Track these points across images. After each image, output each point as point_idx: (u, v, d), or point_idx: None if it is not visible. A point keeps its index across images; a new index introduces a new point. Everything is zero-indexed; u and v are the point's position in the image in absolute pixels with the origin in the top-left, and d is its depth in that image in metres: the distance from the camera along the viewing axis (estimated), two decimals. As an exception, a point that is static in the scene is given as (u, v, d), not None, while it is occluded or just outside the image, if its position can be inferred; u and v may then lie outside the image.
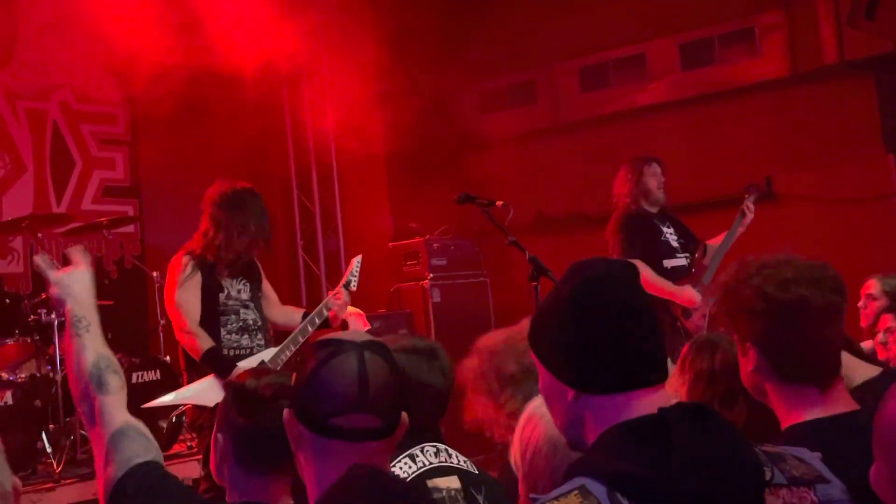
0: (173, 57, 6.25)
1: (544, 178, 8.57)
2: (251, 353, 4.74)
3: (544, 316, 1.68)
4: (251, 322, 4.81)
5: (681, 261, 5.69)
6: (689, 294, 5.47)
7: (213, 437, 2.24)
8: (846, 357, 2.07)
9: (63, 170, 7.77)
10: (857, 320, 4.60)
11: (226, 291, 4.75)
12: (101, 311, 2.32)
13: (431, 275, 7.66)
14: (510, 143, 8.65)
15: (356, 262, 5.05)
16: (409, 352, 2.37)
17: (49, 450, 5.66)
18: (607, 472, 1.48)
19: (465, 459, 2.38)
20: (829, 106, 7.33)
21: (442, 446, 2.35)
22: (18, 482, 1.62)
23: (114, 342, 2.36)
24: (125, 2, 6.50)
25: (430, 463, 2.29)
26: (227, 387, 2.30)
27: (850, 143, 7.30)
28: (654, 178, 5.71)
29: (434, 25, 7.73)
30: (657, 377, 1.61)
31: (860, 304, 4.58)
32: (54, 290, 2.29)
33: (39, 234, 6.22)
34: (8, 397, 5.61)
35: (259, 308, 4.88)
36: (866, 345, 4.27)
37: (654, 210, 5.74)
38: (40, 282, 7.11)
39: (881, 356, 4.20)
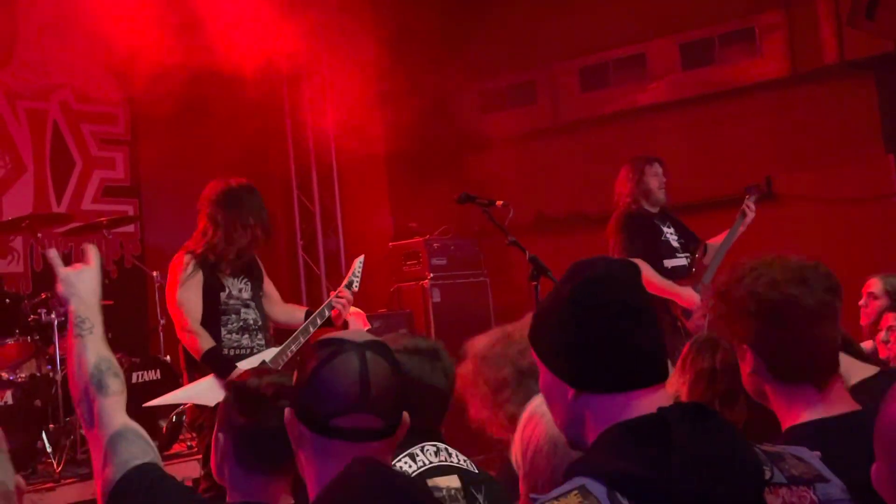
0: (173, 57, 6.25)
1: (544, 178, 8.57)
2: (251, 353, 4.74)
3: (545, 315, 1.68)
4: (252, 322, 4.80)
5: (681, 261, 5.69)
6: (689, 295, 5.47)
7: (213, 436, 2.24)
8: (842, 357, 2.07)
9: (63, 170, 7.77)
10: (857, 319, 4.61)
11: (227, 290, 4.74)
12: (102, 311, 2.32)
13: (431, 275, 7.66)
14: (510, 143, 8.66)
15: (358, 262, 5.04)
16: (412, 352, 2.37)
17: (49, 449, 5.66)
18: (607, 472, 1.48)
19: (465, 459, 2.38)
20: (829, 106, 7.33)
21: (442, 445, 2.35)
22: (22, 481, 1.62)
23: (114, 342, 2.36)
24: (125, 2, 6.50)
25: (430, 462, 2.29)
26: (229, 386, 2.30)
27: (850, 143, 7.30)
28: (655, 179, 5.71)
29: (434, 25, 7.73)
30: (657, 377, 1.61)
31: (861, 302, 4.58)
32: (61, 288, 2.29)
33: (39, 234, 6.22)
34: (8, 397, 5.61)
35: (260, 307, 4.87)
36: (866, 345, 4.27)
37: (654, 210, 5.74)
38: (40, 282, 7.14)
39: (882, 354, 4.20)
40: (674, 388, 2.44)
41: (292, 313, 5.04)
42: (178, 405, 5.79)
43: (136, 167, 8.21)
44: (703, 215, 6.71)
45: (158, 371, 6.24)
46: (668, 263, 5.63)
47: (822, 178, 7.37)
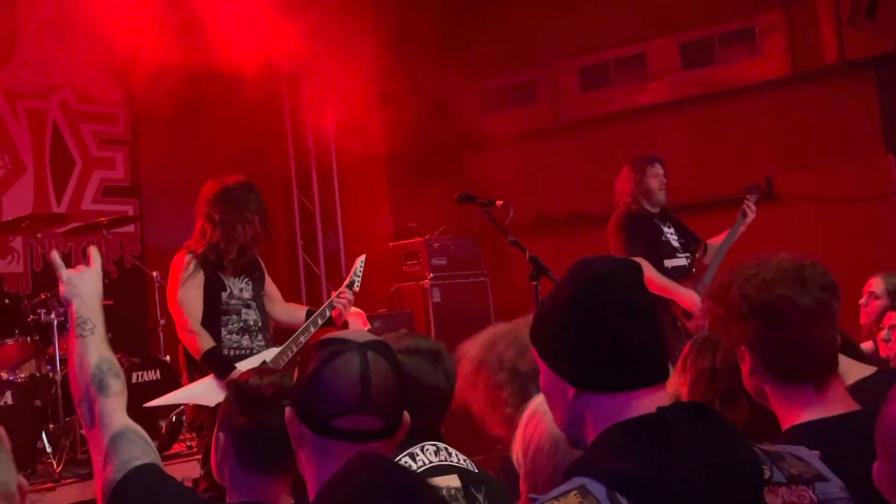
0: (173, 57, 6.25)
1: (544, 178, 8.57)
2: (251, 354, 4.73)
3: (546, 313, 1.68)
4: (252, 323, 4.80)
5: (681, 261, 5.69)
6: (690, 295, 5.47)
7: (213, 436, 2.24)
8: (839, 357, 2.07)
9: (63, 170, 7.77)
10: (857, 318, 4.61)
11: (228, 290, 4.74)
12: (103, 311, 2.33)
13: (431, 275, 7.66)
14: (510, 143, 8.66)
15: (360, 261, 5.04)
16: (413, 353, 2.37)
17: (49, 450, 5.66)
18: (607, 472, 1.48)
19: (465, 458, 2.38)
20: (830, 106, 7.33)
21: (442, 445, 2.35)
22: (24, 482, 1.62)
23: (114, 342, 2.37)
24: (125, 2, 6.49)
25: (430, 462, 2.29)
26: (229, 386, 2.29)
27: (850, 143, 7.30)
28: (656, 179, 5.71)
29: (434, 25, 7.73)
30: (658, 377, 1.61)
31: (862, 301, 4.58)
32: (63, 289, 2.30)
33: (39, 234, 6.22)
34: (8, 397, 5.61)
35: (261, 308, 4.87)
36: (866, 345, 4.27)
37: (655, 210, 5.74)
38: (40, 282, 7.14)
39: (883, 353, 4.21)
40: (674, 387, 2.44)
41: (293, 313, 5.04)
42: (177, 405, 5.79)
43: (135, 167, 8.21)
44: (703, 215, 6.71)
45: (158, 371, 6.24)
46: (669, 263, 5.63)
47: (822, 178, 7.37)
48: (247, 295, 4.80)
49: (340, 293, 4.85)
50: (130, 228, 7.87)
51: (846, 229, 7.10)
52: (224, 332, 4.70)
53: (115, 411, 2.17)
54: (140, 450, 2.11)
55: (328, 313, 4.82)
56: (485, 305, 7.80)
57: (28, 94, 7.55)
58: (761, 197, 5.90)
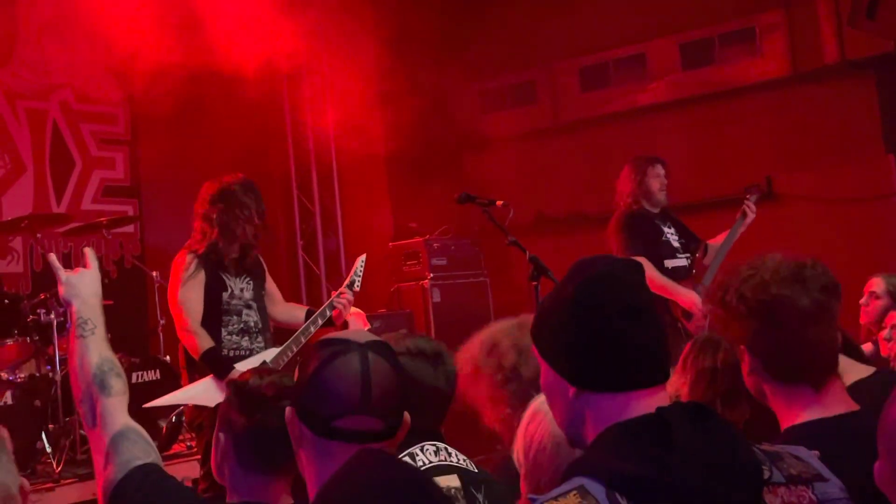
0: (173, 56, 6.24)
1: (544, 178, 8.57)
2: (251, 355, 4.73)
3: (547, 313, 1.68)
4: (253, 324, 4.80)
5: (682, 261, 5.69)
6: (690, 296, 5.47)
7: (213, 436, 2.24)
8: (839, 358, 2.07)
9: (63, 170, 7.77)
10: (857, 318, 4.61)
11: (230, 290, 4.73)
12: (103, 311, 2.33)
13: (431, 275, 7.66)
14: (510, 143, 8.66)
15: (360, 261, 5.03)
16: (414, 354, 2.37)
17: (49, 450, 5.66)
18: (606, 472, 1.48)
19: (465, 458, 2.38)
20: (830, 106, 7.33)
21: (441, 445, 2.35)
22: (26, 483, 1.62)
23: (114, 342, 2.37)
24: (125, 2, 6.49)
25: (430, 461, 2.29)
26: (230, 386, 2.29)
27: (850, 143, 7.30)
28: (656, 180, 5.71)
29: (434, 25, 7.73)
30: (659, 377, 1.61)
31: (862, 301, 4.58)
32: (63, 290, 2.31)
33: (39, 234, 6.22)
34: (7, 397, 5.61)
35: (262, 309, 4.87)
36: (866, 347, 4.27)
37: (655, 210, 5.74)
38: (40, 282, 7.14)
39: (884, 352, 4.20)
40: (674, 387, 2.44)
41: (293, 313, 5.03)
42: (177, 405, 5.79)
43: (135, 167, 8.21)
44: (703, 215, 6.71)
45: (158, 371, 6.25)
46: (669, 264, 5.63)
47: (822, 178, 7.37)
48: (248, 295, 4.80)
49: (341, 293, 4.85)
50: (130, 228, 7.87)
51: (846, 229, 7.10)
52: (224, 333, 4.70)
53: (116, 411, 2.17)
54: (141, 450, 2.12)
55: (328, 313, 4.82)
56: (485, 305, 7.80)
57: (28, 94, 7.55)
58: (761, 197, 5.90)
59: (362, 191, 8.81)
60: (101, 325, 2.29)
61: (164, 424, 6.15)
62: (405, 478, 1.43)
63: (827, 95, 7.35)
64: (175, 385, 5.47)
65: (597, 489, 1.46)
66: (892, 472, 1.41)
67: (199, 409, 4.63)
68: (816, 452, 1.72)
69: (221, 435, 2.21)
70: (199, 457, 4.93)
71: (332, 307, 4.82)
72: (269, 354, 4.73)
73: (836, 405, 1.98)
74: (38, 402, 5.74)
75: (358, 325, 4.83)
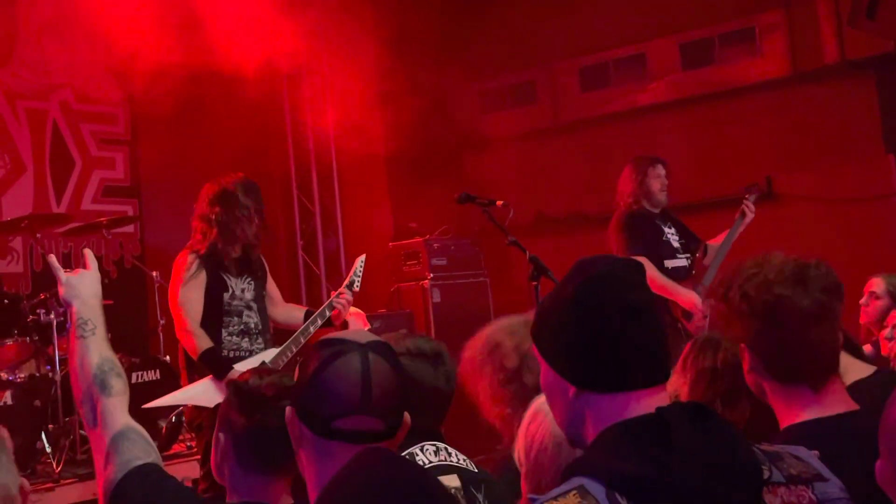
0: (173, 56, 6.24)
1: (544, 178, 8.57)
2: (250, 356, 4.73)
3: (548, 313, 1.68)
4: (253, 325, 4.80)
5: (682, 261, 5.69)
6: (690, 296, 5.47)
7: (213, 436, 2.24)
8: (841, 356, 2.07)
9: (63, 170, 7.77)
10: (857, 318, 4.60)
11: (230, 291, 4.73)
12: (103, 312, 2.34)
13: (431, 275, 7.66)
14: (510, 143, 8.66)
15: (360, 261, 5.03)
16: (414, 355, 2.37)
17: (48, 450, 5.66)
18: (606, 472, 1.48)
19: (465, 458, 2.38)
20: (830, 106, 7.33)
21: (441, 445, 2.35)
22: (26, 483, 1.62)
23: (114, 342, 2.37)
24: (125, 2, 6.49)
25: (430, 461, 2.29)
26: (230, 386, 2.29)
27: (850, 143, 7.30)
28: (657, 180, 5.71)
29: (434, 25, 7.73)
30: (659, 377, 1.61)
31: (862, 301, 4.58)
32: (63, 291, 2.32)
33: (39, 234, 6.22)
34: (7, 397, 5.60)
35: (262, 310, 4.87)
36: (865, 349, 4.26)
37: (655, 210, 5.73)
38: (40, 282, 7.14)
39: (884, 351, 4.20)
40: (674, 388, 2.44)
41: (292, 313, 5.04)
42: (176, 406, 5.79)
43: (135, 167, 8.21)
44: (703, 215, 6.71)
45: (158, 371, 6.25)
46: (669, 264, 5.62)
47: (822, 178, 7.37)
48: (249, 296, 4.80)
49: (340, 293, 4.85)
50: (130, 228, 7.87)
51: (846, 229, 7.10)
52: (224, 334, 4.70)
53: (117, 411, 2.18)
54: (141, 450, 2.12)
55: (328, 314, 4.82)
56: (485, 305, 7.79)
57: (28, 94, 7.55)
58: (761, 197, 5.90)
59: (362, 191, 8.81)
60: (102, 325, 2.30)
61: (163, 424, 6.15)
62: (409, 477, 1.43)
63: (827, 95, 7.35)
64: (175, 385, 5.47)
65: (596, 489, 1.46)
66: (893, 472, 1.41)
67: (198, 410, 4.63)
68: (816, 452, 1.71)
69: (221, 435, 2.21)
70: (198, 457, 4.93)
71: (332, 307, 4.82)
72: (269, 355, 4.73)
73: (835, 405, 1.98)
74: (37, 402, 5.74)
75: (358, 325, 4.83)
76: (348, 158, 8.41)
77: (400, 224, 8.49)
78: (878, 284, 4.56)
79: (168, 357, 6.42)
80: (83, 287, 2.33)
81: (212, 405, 4.41)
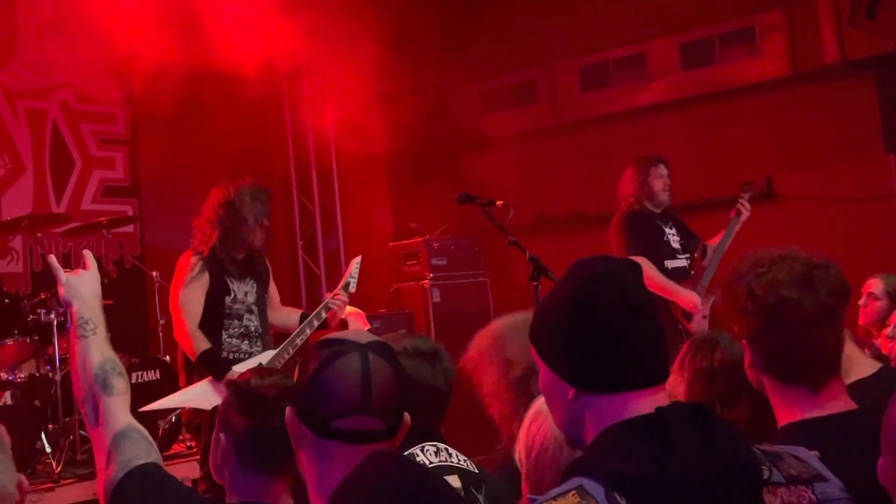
0: (173, 56, 6.24)
1: (544, 178, 8.57)
2: (249, 358, 4.73)
3: (546, 314, 1.67)
4: (253, 329, 4.81)
5: (682, 262, 5.69)
6: (690, 296, 5.46)
7: (213, 436, 2.24)
8: (850, 348, 2.06)
9: (63, 169, 7.77)
10: (856, 319, 4.60)
11: (232, 294, 4.74)
12: (103, 312, 2.34)
13: (431, 275, 7.66)
14: (510, 143, 8.66)
15: (356, 263, 5.04)
16: (412, 354, 2.37)
17: (48, 450, 5.65)
18: (605, 472, 1.48)
19: (465, 459, 2.38)
20: (830, 106, 7.33)
21: (442, 446, 2.35)
22: (25, 480, 1.62)
23: (114, 342, 2.38)
24: (125, 2, 6.49)
25: (431, 462, 2.29)
26: (230, 386, 2.29)
27: (850, 143, 7.30)
28: (659, 180, 5.71)
29: (434, 25, 7.72)
30: (658, 377, 1.60)
31: (861, 301, 4.57)
32: (63, 291, 2.32)
33: (39, 234, 6.22)
34: (7, 397, 5.60)
35: (263, 313, 4.88)
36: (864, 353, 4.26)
37: (657, 211, 5.73)
38: (39, 282, 7.14)
39: (885, 350, 4.20)
40: (671, 387, 2.44)
41: (288, 316, 5.05)
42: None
43: (135, 167, 8.20)
44: (703, 215, 6.71)
45: (158, 371, 6.24)
46: (669, 265, 5.63)
47: (822, 178, 7.37)
48: (251, 299, 4.80)
49: (335, 295, 4.86)
50: (130, 228, 7.87)
51: (846, 229, 7.10)
52: (224, 336, 4.71)
53: (118, 410, 2.18)
54: (142, 449, 2.12)
55: (324, 315, 4.83)
56: (485, 305, 7.79)
57: (28, 94, 7.55)
58: (761, 197, 5.92)
59: (362, 191, 8.81)
60: (102, 325, 2.30)
61: (162, 425, 6.15)
62: (417, 478, 1.42)
63: (827, 95, 7.34)
64: (175, 385, 5.47)
65: (596, 489, 1.46)
66: (895, 469, 1.42)
67: (196, 411, 4.63)
68: (816, 453, 1.71)
69: (222, 435, 2.21)
70: (198, 457, 4.93)
71: (328, 309, 4.83)
72: (265, 357, 4.74)
73: (833, 405, 1.98)
74: (37, 403, 5.74)
75: (358, 325, 4.83)
76: (348, 158, 8.41)
77: (400, 224, 8.49)
78: (876, 285, 4.56)
79: (168, 357, 6.42)
80: (83, 287, 2.33)
81: (209, 408, 4.42)
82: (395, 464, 1.45)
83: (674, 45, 7.88)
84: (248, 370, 2.36)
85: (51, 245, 7.30)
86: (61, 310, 5.62)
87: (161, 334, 6.74)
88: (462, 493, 2.25)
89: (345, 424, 1.69)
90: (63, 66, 7.44)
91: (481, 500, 2.27)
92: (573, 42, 8.27)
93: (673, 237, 5.73)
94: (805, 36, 7.32)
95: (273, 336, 5.03)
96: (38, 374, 6.03)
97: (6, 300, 5.89)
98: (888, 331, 4.18)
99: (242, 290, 4.77)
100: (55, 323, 5.77)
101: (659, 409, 1.53)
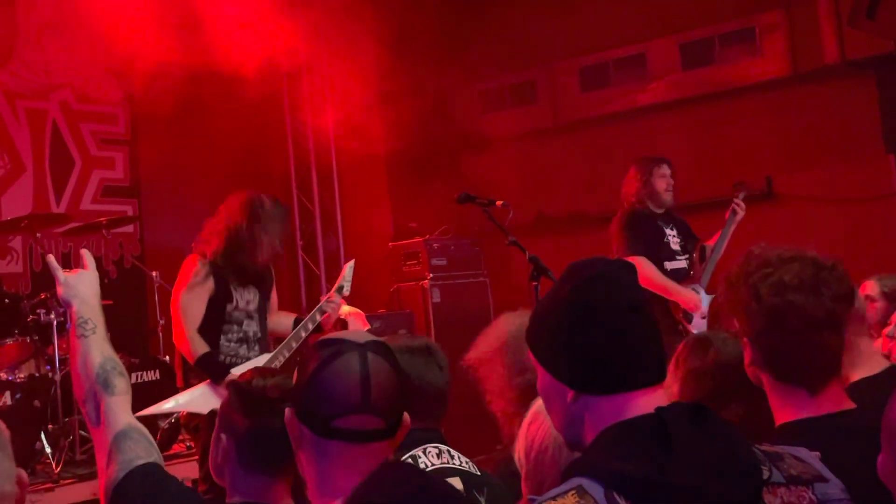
0: (173, 56, 6.24)
1: (544, 178, 8.57)
2: (246, 362, 4.74)
3: (543, 316, 1.67)
4: (252, 334, 4.81)
5: (681, 263, 5.68)
6: (690, 297, 5.46)
7: (213, 437, 2.24)
8: (865, 343, 2.05)
9: (62, 169, 7.76)
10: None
11: (234, 302, 4.73)
12: (103, 311, 2.34)
13: (431, 275, 7.65)
14: (510, 143, 8.65)
15: (349, 266, 5.05)
16: (404, 351, 2.37)
17: (48, 450, 5.65)
18: (605, 472, 1.48)
19: (467, 460, 2.38)
20: (830, 106, 7.33)
21: (444, 447, 2.35)
22: (24, 475, 1.60)
23: (113, 342, 2.38)
24: (125, 2, 6.49)
25: (433, 464, 2.29)
26: (230, 387, 2.29)
27: (850, 143, 7.30)
28: (662, 180, 5.70)
29: (434, 25, 7.72)
30: (656, 377, 1.61)
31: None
32: (61, 291, 2.32)
33: (39, 234, 6.22)
34: (7, 397, 5.60)
35: (263, 320, 4.88)
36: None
37: (659, 211, 5.72)
38: (39, 282, 7.13)
39: (885, 349, 4.19)
40: (665, 386, 2.43)
41: (282, 321, 5.05)
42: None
43: (135, 167, 8.20)
44: (703, 215, 6.70)
45: (158, 371, 6.24)
46: (669, 266, 5.62)
47: (822, 178, 7.37)
48: (252, 307, 4.80)
49: (329, 298, 4.87)
50: (130, 228, 7.87)
51: (846, 229, 7.10)
52: (223, 340, 4.72)
53: (119, 410, 2.19)
54: (143, 449, 2.13)
55: (318, 318, 4.83)
56: (485, 305, 7.79)
57: (28, 94, 7.54)
58: (761, 196, 5.91)
59: (362, 191, 8.81)
60: (102, 324, 2.30)
61: (162, 425, 6.14)
62: (436, 490, 1.43)
63: (827, 95, 7.34)
64: (174, 385, 5.47)
65: (595, 489, 1.46)
66: (895, 466, 1.42)
67: (194, 413, 4.64)
68: (817, 453, 1.71)
69: (223, 435, 2.21)
70: (198, 457, 4.93)
71: (322, 311, 4.83)
72: (260, 361, 4.74)
73: (830, 405, 1.98)
74: (37, 403, 5.73)
75: (358, 326, 4.83)
76: (348, 158, 8.41)
77: (400, 224, 8.48)
78: (871, 287, 4.55)
79: (168, 357, 6.42)
80: (82, 286, 2.33)
81: (206, 411, 4.42)
82: (408, 474, 1.45)
83: (674, 45, 7.88)
84: (249, 370, 2.36)
85: (51, 245, 7.30)
86: (61, 310, 5.62)
87: (161, 334, 6.73)
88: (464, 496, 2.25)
89: (344, 424, 1.69)
90: (63, 66, 7.44)
91: (483, 502, 2.27)
92: (573, 42, 8.27)
93: (673, 238, 5.72)
94: (805, 36, 7.32)
95: (272, 338, 5.04)
96: (37, 375, 6.02)
97: (6, 300, 5.88)
98: (888, 330, 4.18)
99: (245, 299, 4.77)
100: (55, 323, 5.77)
101: (658, 409, 1.53)
